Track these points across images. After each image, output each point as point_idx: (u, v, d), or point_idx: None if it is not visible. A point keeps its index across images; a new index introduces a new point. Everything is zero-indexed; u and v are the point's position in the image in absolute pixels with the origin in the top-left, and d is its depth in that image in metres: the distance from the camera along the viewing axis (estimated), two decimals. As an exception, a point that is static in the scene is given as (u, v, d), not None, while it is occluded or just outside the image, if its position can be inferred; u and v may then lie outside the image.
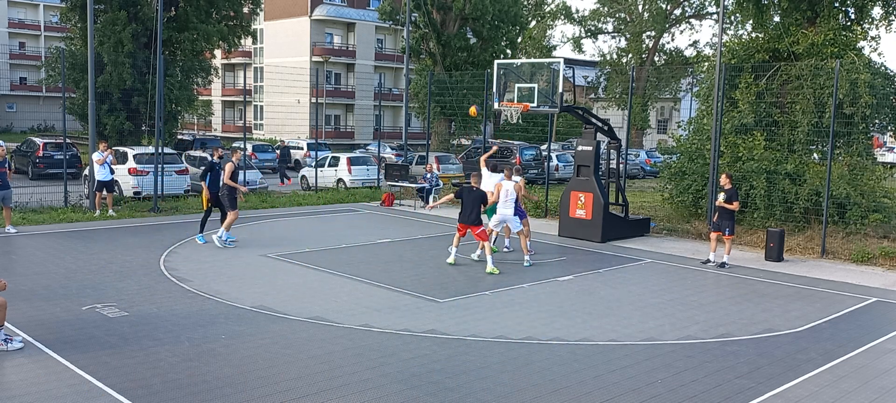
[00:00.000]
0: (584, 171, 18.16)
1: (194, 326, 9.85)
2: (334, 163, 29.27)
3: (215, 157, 16.23)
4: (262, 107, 69.22)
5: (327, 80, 64.38)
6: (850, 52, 18.60)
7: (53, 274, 12.75)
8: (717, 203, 15.47)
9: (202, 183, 16.32)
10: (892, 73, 19.18)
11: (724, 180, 15.31)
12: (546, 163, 24.70)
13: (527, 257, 14.78)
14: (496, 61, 18.89)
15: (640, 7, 54.05)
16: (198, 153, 28.29)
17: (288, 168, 32.64)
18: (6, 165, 17.09)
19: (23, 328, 9.44)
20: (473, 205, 14.05)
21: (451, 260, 14.43)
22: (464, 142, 46.00)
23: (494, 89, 18.37)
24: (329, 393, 7.67)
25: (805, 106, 18.46)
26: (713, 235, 15.53)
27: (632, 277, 14.08)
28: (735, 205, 15.11)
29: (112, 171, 19.71)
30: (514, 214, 14.72)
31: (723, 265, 15.21)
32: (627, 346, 9.64)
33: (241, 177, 24.28)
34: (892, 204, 18.57)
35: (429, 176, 24.46)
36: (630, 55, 54.12)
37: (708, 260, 15.50)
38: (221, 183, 15.68)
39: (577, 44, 56.95)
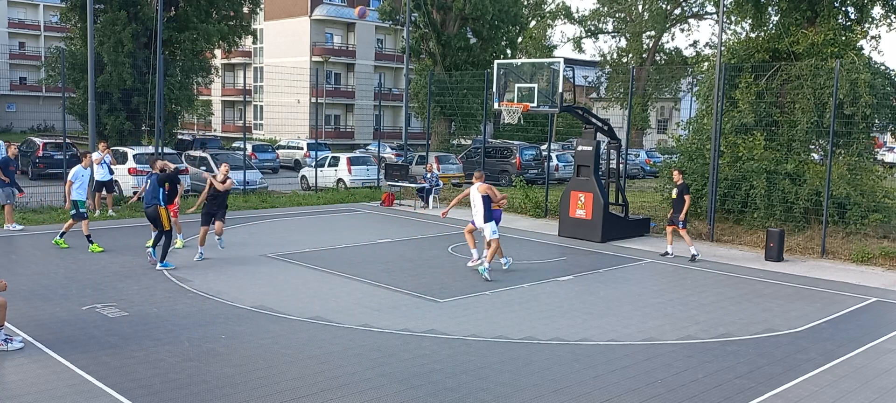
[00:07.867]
0: (584, 171, 18.17)
1: (194, 326, 9.85)
2: (334, 163, 29.27)
3: (156, 169, 13.81)
4: (261, 107, 69.17)
5: (327, 80, 64.31)
6: (850, 51, 18.60)
7: (53, 274, 12.75)
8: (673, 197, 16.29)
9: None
10: (892, 73, 19.18)
11: (676, 176, 16.22)
12: (546, 163, 24.70)
13: (501, 260, 14.10)
14: (496, 61, 18.90)
15: (640, 7, 54.04)
16: (198, 153, 28.27)
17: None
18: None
19: (23, 328, 9.44)
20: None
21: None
22: (464, 142, 45.99)
23: (494, 89, 18.38)
24: (329, 393, 7.67)
25: (805, 105, 18.46)
26: (668, 228, 16.28)
27: (632, 277, 14.08)
28: (686, 199, 15.83)
29: (111, 171, 19.71)
30: (486, 221, 13.55)
31: (693, 258, 15.75)
32: (627, 346, 9.64)
33: (240, 177, 24.34)
34: (892, 204, 18.56)
35: (429, 176, 24.47)
36: (630, 55, 54.10)
37: (666, 253, 16.22)
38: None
39: (577, 44, 57.08)
